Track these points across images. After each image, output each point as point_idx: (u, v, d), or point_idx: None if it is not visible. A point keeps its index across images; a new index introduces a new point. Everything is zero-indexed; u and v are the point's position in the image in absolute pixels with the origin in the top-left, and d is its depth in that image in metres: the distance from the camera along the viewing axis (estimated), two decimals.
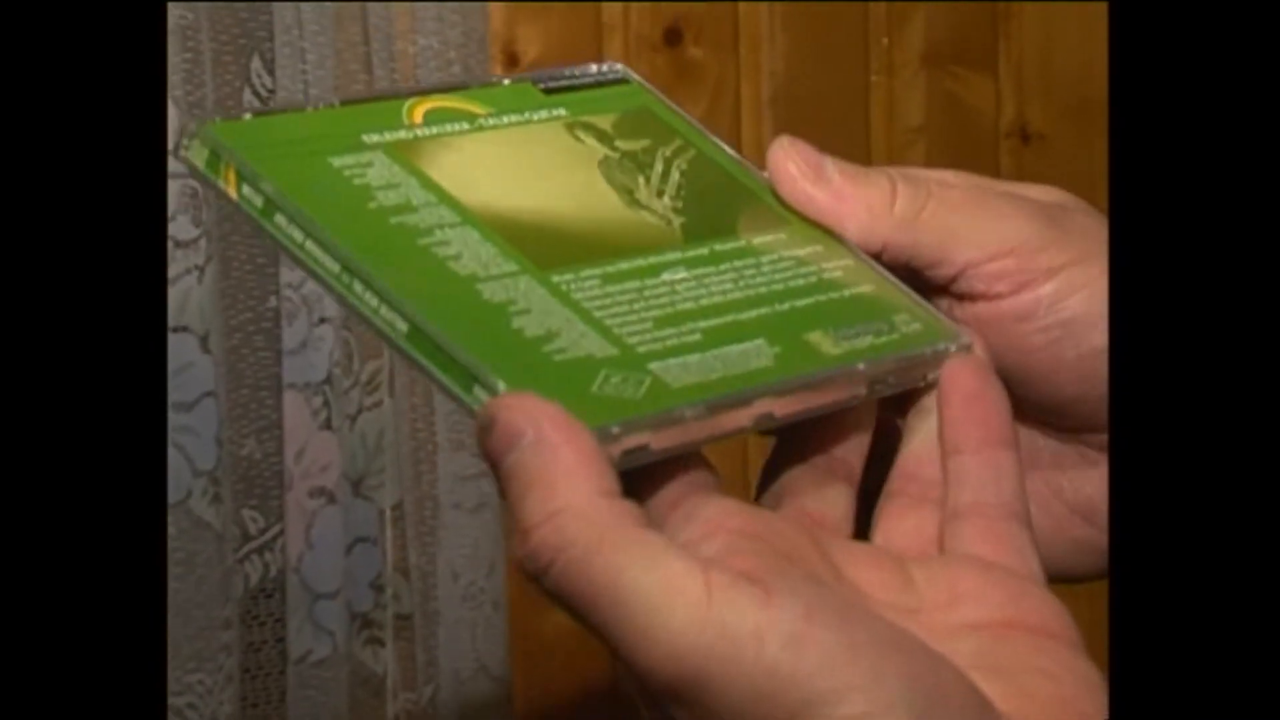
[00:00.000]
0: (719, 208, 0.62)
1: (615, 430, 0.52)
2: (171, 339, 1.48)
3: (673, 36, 1.71)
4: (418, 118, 0.61)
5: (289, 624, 1.58)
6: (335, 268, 0.55)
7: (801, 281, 0.60)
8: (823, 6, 1.77)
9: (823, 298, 0.60)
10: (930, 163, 1.70)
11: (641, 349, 0.55)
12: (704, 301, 0.58)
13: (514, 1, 1.66)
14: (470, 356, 0.52)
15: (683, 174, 0.63)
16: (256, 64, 1.53)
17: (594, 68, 0.66)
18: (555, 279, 0.57)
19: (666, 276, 0.58)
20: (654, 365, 0.55)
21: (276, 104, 0.60)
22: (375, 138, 0.60)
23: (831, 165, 0.62)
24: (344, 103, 0.61)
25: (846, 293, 0.60)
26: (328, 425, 1.58)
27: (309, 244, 0.55)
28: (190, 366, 1.50)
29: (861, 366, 0.58)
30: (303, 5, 1.48)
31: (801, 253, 0.61)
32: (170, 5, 1.43)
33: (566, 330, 0.55)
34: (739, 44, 1.74)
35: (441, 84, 0.64)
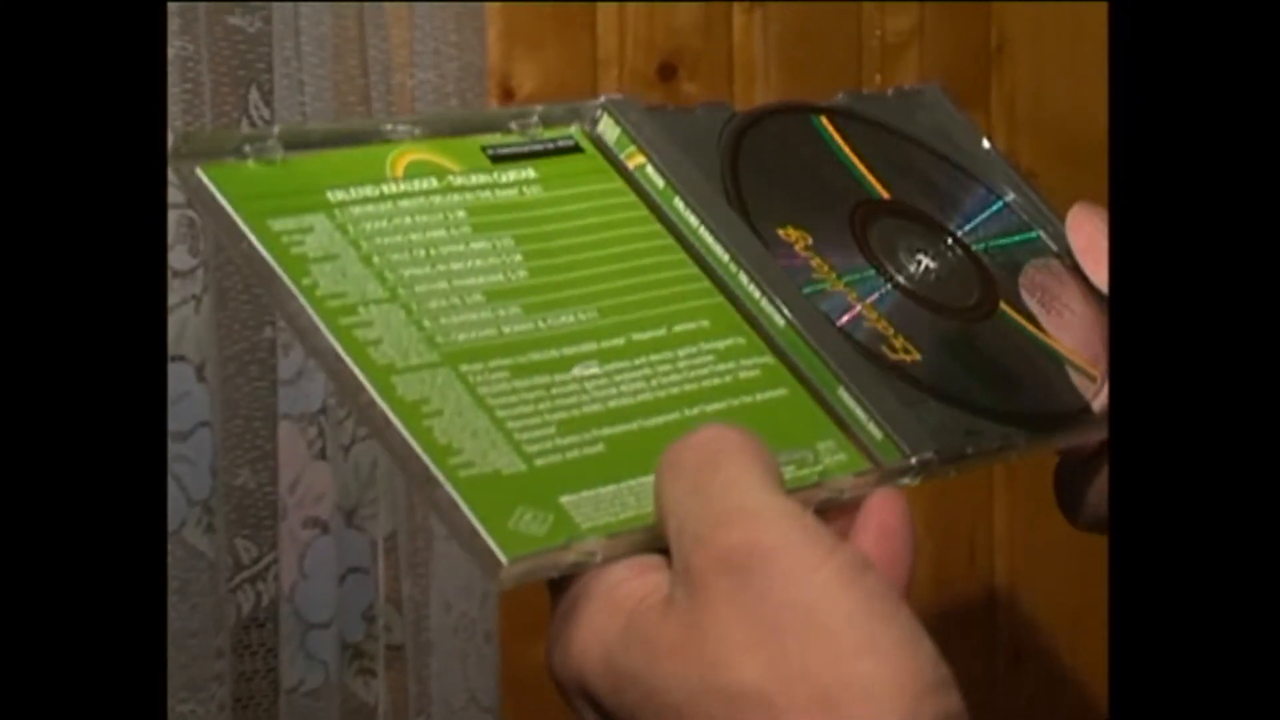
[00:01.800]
0: (647, 289, 0.63)
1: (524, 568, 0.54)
2: (171, 365, 1.49)
3: (667, 71, 1.73)
4: (399, 170, 0.62)
5: (281, 654, 1.58)
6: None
7: (717, 381, 0.61)
8: (816, 43, 1.78)
9: (736, 403, 0.61)
10: None
11: (541, 462, 0.56)
12: (612, 404, 0.59)
13: (511, 36, 1.67)
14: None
15: (621, 253, 0.64)
16: (255, 95, 1.54)
17: (548, 137, 0.66)
18: (465, 368, 0.57)
19: (577, 372, 0.59)
20: (565, 499, 0.55)
21: (284, 129, 0.59)
22: (340, 194, 0.60)
23: None
24: (344, 142, 0.61)
25: (761, 398, 0.62)
26: (322, 455, 1.58)
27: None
28: (186, 396, 1.50)
29: None
30: (302, 38, 1.50)
31: (722, 345, 0.62)
32: (170, 36, 1.44)
33: (473, 440, 0.55)
34: (733, 79, 1.75)
35: (437, 121, 0.64)
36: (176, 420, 1.50)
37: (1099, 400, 0.68)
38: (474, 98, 1.58)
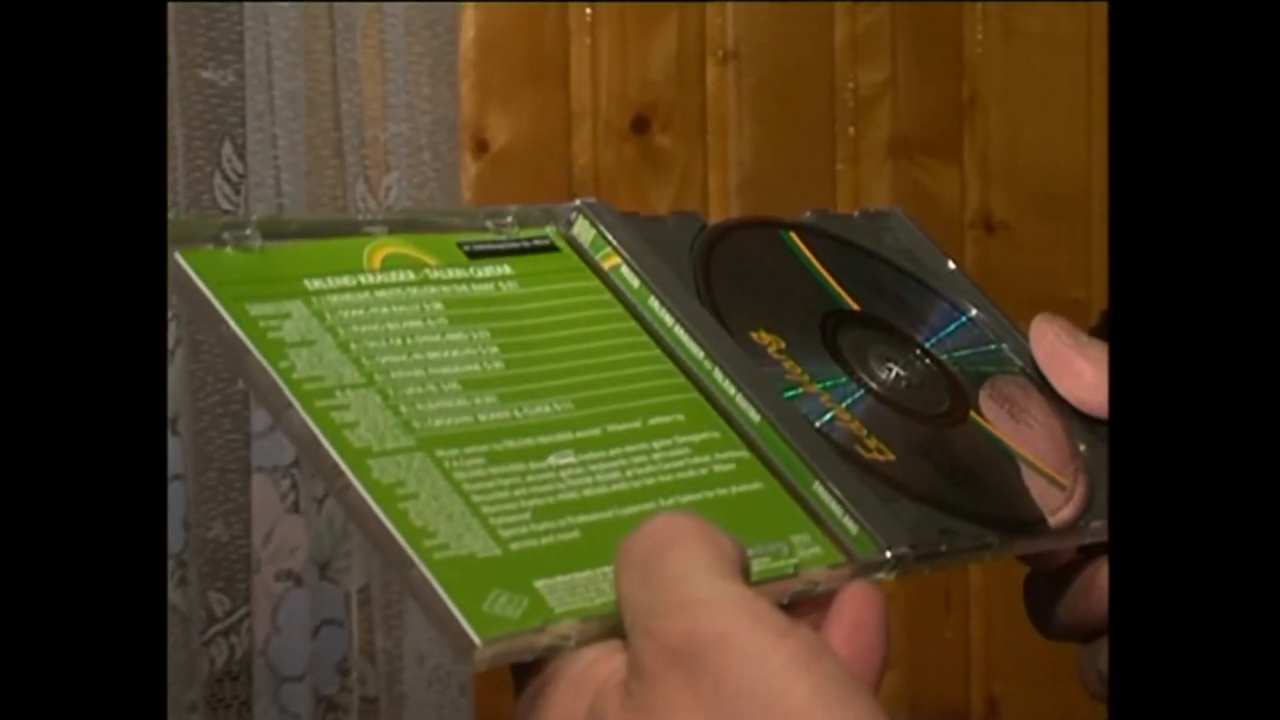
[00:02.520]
0: (623, 383, 0.64)
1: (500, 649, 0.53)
2: None
3: (640, 124, 1.73)
4: (376, 262, 0.62)
5: (255, 707, 1.58)
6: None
7: (692, 473, 0.62)
8: (790, 95, 1.79)
9: (711, 495, 0.61)
10: None
11: (516, 546, 0.56)
12: (587, 492, 0.59)
13: (484, 90, 1.68)
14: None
15: (597, 348, 0.64)
16: (228, 149, 1.54)
17: (524, 236, 0.67)
18: (441, 454, 0.57)
19: (553, 460, 0.59)
20: (540, 583, 0.55)
21: (256, 225, 0.60)
22: (318, 283, 0.60)
23: (1084, 335, 0.70)
24: (322, 234, 0.62)
25: (736, 490, 0.62)
26: (295, 508, 1.58)
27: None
28: None
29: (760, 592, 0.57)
30: (275, 92, 1.50)
31: (697, 439, 0.63)
32: None
33: (448, 523, 0.55)
34: (707, 132, 1.76)
35: (413, 217, 0.65)
36: None
37: (1070, 508, 0.69)
38: (447, 150, 1.59)
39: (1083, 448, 0.70)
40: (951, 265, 0.76)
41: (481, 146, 1.68)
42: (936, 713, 1.82)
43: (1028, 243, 1.84)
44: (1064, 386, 0.70)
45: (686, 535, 0.53)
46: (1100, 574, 0.68)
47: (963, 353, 0.73)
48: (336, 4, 1.52)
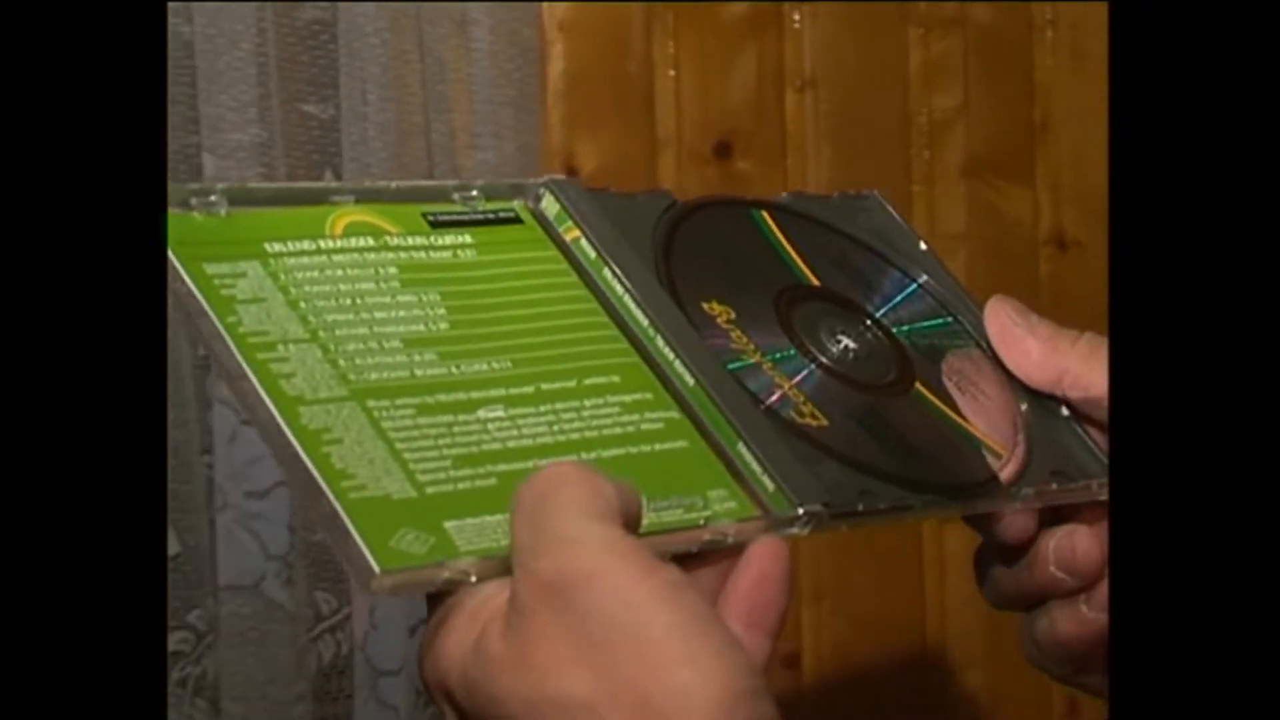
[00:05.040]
0: (565, 346, 0.65)
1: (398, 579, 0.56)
2: (248, 430, 1.57)
3: (723, 150, 1.80)
4: (338, 229, 0.64)
5: (356, 699, 1.65)
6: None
7: (619, 430, 0.63)
8: (865, 121, 1.84)
9: (634, 450, 0.63)
10: (971, 268, 1.77)
11: (431, 490, 0.58)
12: (511, 444, 0.61)
13: (573, 118, 1.75)
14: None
15: (544, 312, 0.66)
16: (329, 178, 1.63)
17: (490, 209, 0.68)
18: (371, 404, 0.59)
19: (481, 414, 0.61)
20: (449, 524, 0.57)
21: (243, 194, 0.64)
22: (278, 246, 0.62)
23: (1035, 316, 0.75)
24: (288, 202, 0.64)
25: (660, 447, 0.63)
26: None
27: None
28: (264, 456, 1.58)
29: (663, 540, 0.60)
30: (368, 124, 1.59)
31: (629, 399, 0.64)
32: (245, 124, 1.54)
33: (368, 467, 0.57)
34: (786, 156, 1.83)
35: (381, 189, 0.66)
36: (255, 480, 1.59)
37: (1003, 475, 0.71)
38: (531, 174, 1.66)
39: (1027, 416, 0.72)
40: (924, 247, 0.78)
41: (571, 172, 1.75)
42: (1008, 711, 1.85)
43: (1099, 260, 1.87)
44: (1013, 363, 0.74)
45: (569, 481, 0.57)
46: (1043, 547, 0.72)
47: (918, 325, 0.75)
48: (426, 41, 1.61)
